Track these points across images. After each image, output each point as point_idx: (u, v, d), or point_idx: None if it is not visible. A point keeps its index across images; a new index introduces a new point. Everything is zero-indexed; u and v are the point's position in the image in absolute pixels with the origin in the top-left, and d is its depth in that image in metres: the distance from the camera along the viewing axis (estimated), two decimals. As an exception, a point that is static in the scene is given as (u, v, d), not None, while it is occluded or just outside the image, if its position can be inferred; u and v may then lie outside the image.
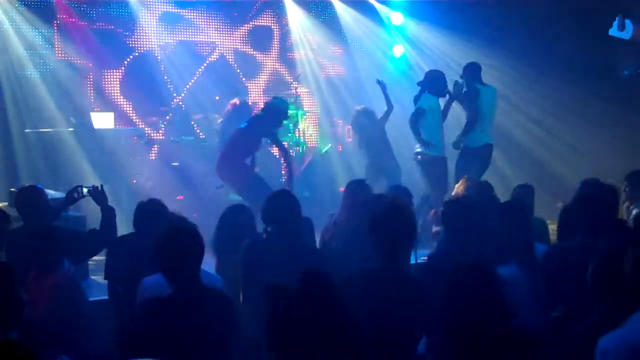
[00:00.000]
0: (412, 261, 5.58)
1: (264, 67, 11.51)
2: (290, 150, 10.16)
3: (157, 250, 3.57)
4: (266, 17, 11.53)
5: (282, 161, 7.93)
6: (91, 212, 6.10)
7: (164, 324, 3.38)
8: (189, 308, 3.44)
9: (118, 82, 10.36)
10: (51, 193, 6.18)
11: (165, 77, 10.51)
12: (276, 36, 11.60)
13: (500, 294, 3.09)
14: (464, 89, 8.31)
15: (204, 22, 10.94)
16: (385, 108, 8.86)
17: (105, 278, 4.95)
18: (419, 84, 8.34)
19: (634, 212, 5.59)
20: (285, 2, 11.29)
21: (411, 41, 11.73)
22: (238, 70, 11.24)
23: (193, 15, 10.84)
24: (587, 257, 3.45)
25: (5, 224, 4.82)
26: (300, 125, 10.58)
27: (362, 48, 11.78)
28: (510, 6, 11.27)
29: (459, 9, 11.21)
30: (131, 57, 10.41)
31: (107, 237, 5.09)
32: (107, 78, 10.29)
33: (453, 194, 6.68)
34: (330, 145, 10.63)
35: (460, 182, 6.68)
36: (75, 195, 5.32)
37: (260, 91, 11.36)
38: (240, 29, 11.33)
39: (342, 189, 6.26)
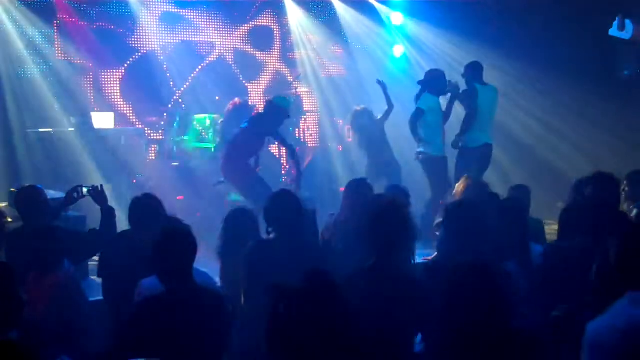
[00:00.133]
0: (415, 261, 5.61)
1: (264, 67, 11.51)
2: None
3: (150, 250, 3.59)
4: (266, 17, 11.53)
5: (290, 160, 7.89)
6: (91, 212, 6.09)
7: (157, 323, 3.40)
8: (181, 307, 3.46)
9: (118, 82, 10.37)
10: (51, 193, 6.17)
11: (168, 75, 10.51)
12: (276, 36, 11.60)
13: (501, 293, 3.08)
14: (461, 89, 8.33)
15: (204, 22, 10.94)
16: (386, 108, 8.88)
17: (98, 276, 4.93)
18: (419, 83, 8.36)
19: (634, 212, 5.59)
20: (285, 2, 11.29)
21: (411, 41, 11.73)
22: (238, 70, 11.24)
23: (193, 15, 10.83)
24: (589, 256, 3.46)
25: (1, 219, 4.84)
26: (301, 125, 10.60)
27: (363, 48, 11.78)
28: (510, 6, 11.27)
29: (459, 8, 11.21)
30: (133, 57, 10.41)
31: (107, 237, 5.08)
32: (108, 78, 10.29)
33: (453, 193, 6.68)
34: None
35: (461, 181, 6.68)
36: (75, 195, 5.32)
37: (260, 91, 11.37)
38: (240, 29, 11.33)
39: (342, 188, 6.27)
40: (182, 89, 10.64)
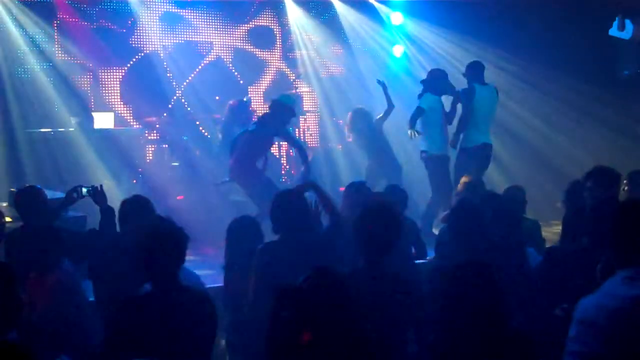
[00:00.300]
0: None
1: (265, 67, 11.51)
2: (292, 151, 10.19)
3: (137, 249, 3.60)
4: (266, 17, 11.53)
5: (300, 157, 7.86)
6: (91, 212, 6.09)
7: (138, 323, 3.40)
8: (164, 307, 3.46)
9: (119, 82, 10.36)
10: (51, 193, 6.17)
11: (169, 75, 10.51)
12: (277, 36, 11.60)
13: (501, 293, 3.09)
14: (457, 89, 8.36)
15: (205, 22, 10.94)
16: (386, 107, 8.88)
17: (88, 278, 4.92)
18: (422, 82, 8.40)
19: (625, 188, 5.63)
20: (285, 2, 11.29)
21: (412, 40, 11.73)
22: (237, 71, 11.23)
23: (194, 16, 10.83)
24: (591, 257, 3.47)
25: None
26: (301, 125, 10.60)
27: (363, 48, 11.78)
28: (510, 5, 11.27)
29: (459, 8, 11.21)
30: (136, 58, 10.40)
31: (106, 237, 5.08)
32: (108, 78, 10.29)
33: (455, 192, 6.71)
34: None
35: (461, 181, 6.71)
36: (75, 195, 5.31)
37: (261, 91, 11.36)
38: (240, 29, 11.32)
39: (342, 188, 6.27)
40: (183, 88, 10.63)
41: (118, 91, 10.34)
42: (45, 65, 9.60)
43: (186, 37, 10.87)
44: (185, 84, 10.64)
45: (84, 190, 5.28)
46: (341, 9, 11.54)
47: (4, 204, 7.07)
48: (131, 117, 10.31)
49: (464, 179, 6.67)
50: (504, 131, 10.19)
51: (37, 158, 8.67)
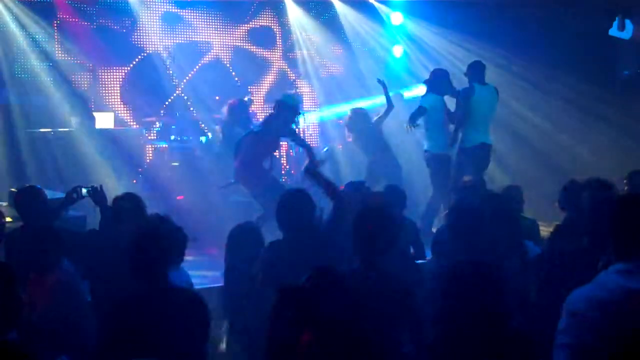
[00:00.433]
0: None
1: (265, 67, 11.51)
2: (292, 151, 10.19)
3: (127, 249, 3.60)
4: (266, 17, 11.53)
5: (307, 154, 7.82)
6: (91, 212, 6.09)
7: (130, 325, 3.40)
8: (153, 307, 3.46)
9: (119, 82, 10.36)
10: (51, 193, 6.17)
11: (169, 72, 10.50)
12: (277, 36, 11.60)
13: (501, 293, 3.08)
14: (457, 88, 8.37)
15: (205, 22, 10.94)
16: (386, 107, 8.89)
17: (84, 278, 4.92)
18: (424, 82, 8.42)
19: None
20: (285, 2, 11.29)
21: (412, 40, 11.73)
22: (237, 71, 11.23)
23: (194, 16, 10.83)
24: (593, 257, 3.47)
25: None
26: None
27: (363, 48, 11.78)
28: (509, 5, 11.26)
29: (459, 8, 11.21)
30: (138, 58, 10.40)
31: (106, 237, 5.07)
32: (109, 78, 10.29)
33: (452, 192, 6.70)
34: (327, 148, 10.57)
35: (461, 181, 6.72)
36: (75, 195, 5.31)
37: (262, 91, 11.36)
38: (240, 29, 11.32)
39: (342, 187, 6.26)
40: (183, 88, 10.63)
41: (118, 91, 10.34)
42: (45, 65, 9.61)
43: (186, 37, 10.87)
44: (184, 81, 10.64)
45: (84, 190, 5.28)
46: (341, 8, 11.54)
47: (4, 204, 7.06)
48: (134, 116, 10.30)
49: (464, 179, 6.67)
50: (504, 130, 10.19)
51: (37, 158, 8.67)
